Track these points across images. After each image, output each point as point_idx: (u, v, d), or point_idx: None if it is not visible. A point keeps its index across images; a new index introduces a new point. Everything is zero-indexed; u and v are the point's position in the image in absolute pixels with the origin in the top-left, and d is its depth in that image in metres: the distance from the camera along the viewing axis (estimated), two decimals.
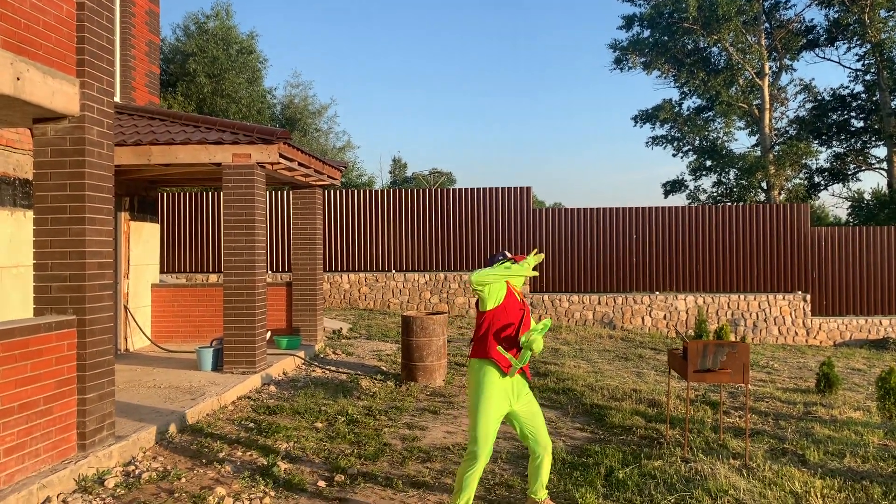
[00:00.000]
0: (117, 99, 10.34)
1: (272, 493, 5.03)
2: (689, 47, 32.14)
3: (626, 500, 5.01)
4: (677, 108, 33.85)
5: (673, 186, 35.38)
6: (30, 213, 8.21)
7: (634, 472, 5.56)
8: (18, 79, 4.63)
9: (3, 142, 7.87)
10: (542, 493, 4.69)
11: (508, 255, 4.50)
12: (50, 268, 5.32)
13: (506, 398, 4.39)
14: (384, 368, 9.98)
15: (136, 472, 5.32)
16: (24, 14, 4.80)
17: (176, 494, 4.93)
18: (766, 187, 31.55)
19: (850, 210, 30.35)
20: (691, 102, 34.30)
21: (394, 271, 17.47)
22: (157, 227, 11.70)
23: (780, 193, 31.36)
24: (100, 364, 5.45)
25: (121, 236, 10.53)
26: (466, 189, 17.60)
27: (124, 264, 10.61)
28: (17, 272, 8.01)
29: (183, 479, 5.22)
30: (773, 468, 5.75)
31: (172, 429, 6.34)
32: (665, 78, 33.71)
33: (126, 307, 10.60)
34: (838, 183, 32.66)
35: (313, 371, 9.61)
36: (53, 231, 5.32)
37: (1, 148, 7.84)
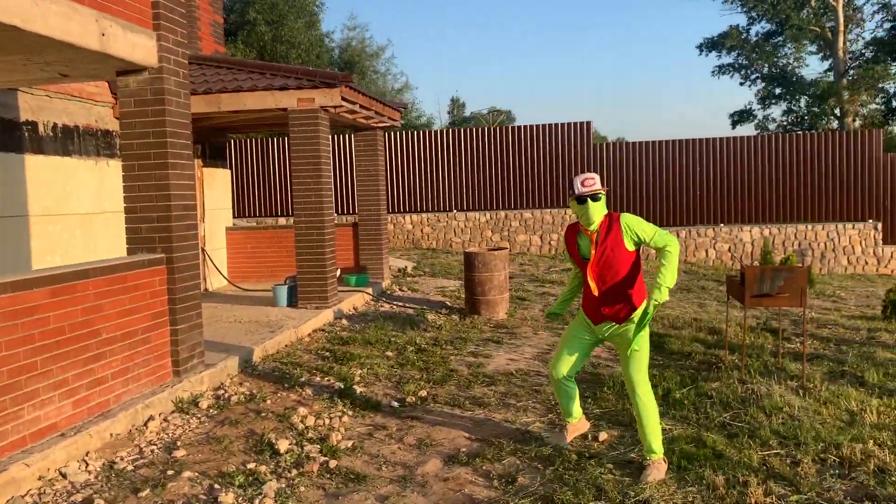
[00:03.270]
0: None
1: (350, 413, 5.46)
2: None
3: (682, 418, 5.26)
4: (745, 35, 32.65)
5: (741, 116, 34.40)
6: (112, 162, 8.73)
7: (691, 392, 5.79)
8: (103, 34, 4.98)
9: (86, 95, 8.35)
10: (653, 453, 4.34)
11: (579, 187, 4.26)
12: (139, 210, 5.76)
13: (587, 330, 4.53)
14: (448, 303, 10.35)
15: (226, 395, 5.82)
16: None
17: (263, 414, 5.40)
18: (839, 114, 30.38)
19: None
20: (759, 28, 33.03)
21: (455, 211, 17.74)
22: (227, 172, 12.20)
23: (854, 120, 30.17)
24: (188, 298, 5.92)
25: (195, 182, 11.03)
26: (525, 126, 17.59)
27: (199, 209, 11.16)
28: (104, 218, 8.58)
29: (268, 401, 5.69)
30: (829, 388, 5.90)
31: (255, 357, 6.84)
32: (732, 3, 32.47)
33: (203, 249, 11.19)
34: None
35: (381, 306, 10.05)
36: (140, 176, 5.74)
37: (83, 101, 8.33)
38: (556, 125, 17.41)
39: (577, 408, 4.77)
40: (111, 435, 4.81)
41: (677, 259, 4.24)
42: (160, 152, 5.71)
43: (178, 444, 4.81)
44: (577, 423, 4.80)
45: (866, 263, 16.02)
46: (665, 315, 9.36)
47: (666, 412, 5.36)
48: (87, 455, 4.50)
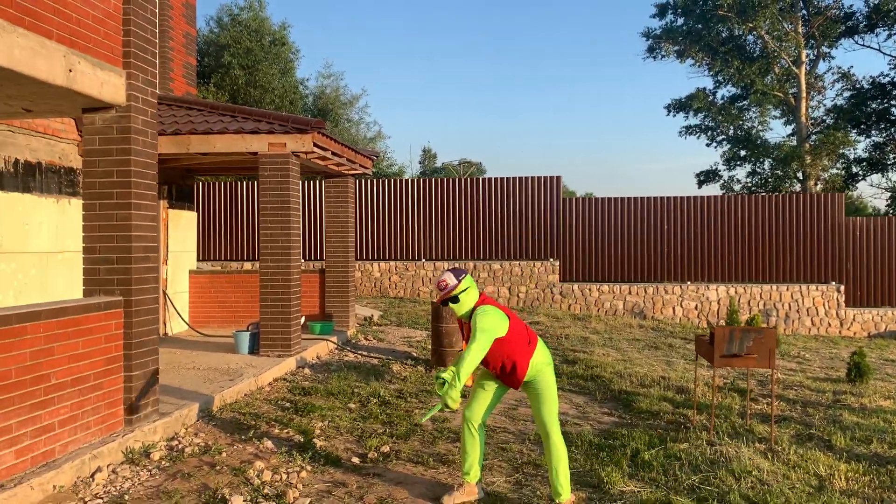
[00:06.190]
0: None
1: (308, 468, 5.25)
2: (724, 35, 31.72)
3: (650, 480, 5.14)
4: (711, 97, 33.48)
5: (707, 176, 35.03)
6: (74, 201, 8.53)
7: (660, 453, 5.68)
8: (71, 70, 4.86)
9: (50, 131, 8.18)
10: (561, 496, 4.53)
11: (438, 293, 4.49)
12: (98, 251, 5.57)
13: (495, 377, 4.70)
14: (414, 354, 10.18)
15: (180, 446, 5.57)
16: (75, 9, 5.03)
17: (217, 467, 5.16)
18: (801, 177, 31.12)
19: (889, 201, 29.85)
20: (725, 91, 33.87)
21: (424, 260, 17.66)
22: (193, 215, 12.01)
23: (816, 184, 30.90)
24: (145, 343, 5.71)
25: (159, 223, 10.85)
26: (497, 178, 17.69)
27: (163, 251, 10.93)
28: (62, 258, 8.33)
29: (224, 454, 5.46)
30: (798, 452, 5.83)
31: (213, 407, 6.59)
32: (699, 66, 33.34)
33: (165, 292, 10.93)
34: (877, 173, 32.07)
35: (346, 356, 9.84)
36: (101, 216, 5.57)
37: (48, 137, 8.15)
38: (527, 178, 17.53)
39: (478, 465, 4.72)
40: (54, 487, 4.54)
41: (471, 358, 4.20)
42: (123, 192, 5.56)
43: (126, 498, 4.56)
44: (473, 486, 4.72)
45: (829, 325, 16.20)
46: (633, 373, 9.28)
47: (634, 473, 5.24)
48: None
